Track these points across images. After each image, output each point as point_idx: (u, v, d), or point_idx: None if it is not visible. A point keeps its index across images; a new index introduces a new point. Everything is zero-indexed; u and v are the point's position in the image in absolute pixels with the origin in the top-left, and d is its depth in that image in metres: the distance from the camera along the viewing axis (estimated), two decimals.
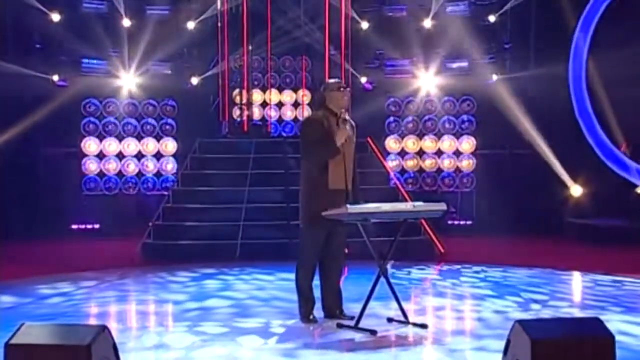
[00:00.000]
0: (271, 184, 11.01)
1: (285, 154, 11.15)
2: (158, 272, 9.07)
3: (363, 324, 5.92)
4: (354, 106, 13.37)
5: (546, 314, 6.65)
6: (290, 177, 10.28)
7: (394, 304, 6.15)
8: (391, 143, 13.99)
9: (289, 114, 14.62)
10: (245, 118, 13.21)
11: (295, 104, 14.60)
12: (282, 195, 10.66)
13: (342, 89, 6.10)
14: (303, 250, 6.18)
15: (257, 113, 14.24)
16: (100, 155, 13.47)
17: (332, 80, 6.29)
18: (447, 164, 13.78)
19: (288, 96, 14.63)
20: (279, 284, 8.13)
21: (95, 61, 13.37)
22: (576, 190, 12.44)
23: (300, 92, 14.37)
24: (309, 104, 14.15)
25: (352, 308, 6.30)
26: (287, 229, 10.06)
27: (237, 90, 13.58)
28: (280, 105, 14.63)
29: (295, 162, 11.38)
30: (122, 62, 13.29)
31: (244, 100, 13.28)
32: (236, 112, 13.61)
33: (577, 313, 6.78)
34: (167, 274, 8.93)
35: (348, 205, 5.70)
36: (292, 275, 6.19)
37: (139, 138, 13.66)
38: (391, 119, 14.02)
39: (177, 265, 9.50)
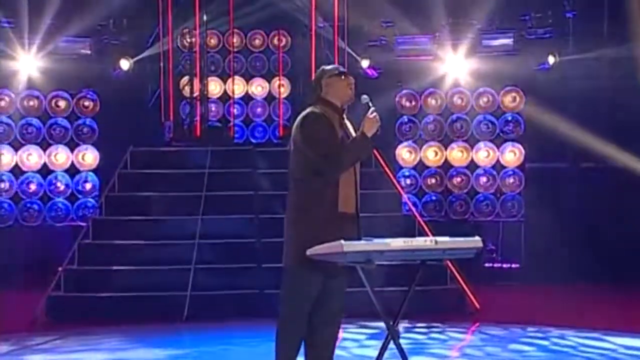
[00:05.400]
0: (234, 210, 11.00)
1: (254, 169, 11.14)
2: (70, 338, 8.97)
3: None
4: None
5: None
6: (262, 201, 10.19)
7: None
8: (404, 153, 13.99)
9: (259, 111, 14.60)
10: (197, 118, 13.17)
11: (269, 98, 14.58)
12: (250, 227, 10.61)
13: (344, 76, 6.15)
14: (289, 302, 6.04)
15: (214, 111, 14.21)
16: None
17: (329, 66, 6.35)
18: (483, 182, 13.78)
19: (259, 86, 14.64)
20: None
21: None
22: None
23: (276, 81, 14.37)
24: (287, 98, 14.11)
25: None
26: (257, 275, 9.99)
27: (185, 79, 13.59)
28: (247, 99, 14.62)
29: (270, 179, 11.38)
30: (20, 37, 13.22)
31: (196, 93, 13.25)
32: (185, 110, 13.57)
33: None
34: (83, 341, 8.84)
35: (342, 241, 5.61)
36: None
37: (45, 146, 13.59)
38: (404, 119, 14.01)
39: (99, 328, 9.42)
